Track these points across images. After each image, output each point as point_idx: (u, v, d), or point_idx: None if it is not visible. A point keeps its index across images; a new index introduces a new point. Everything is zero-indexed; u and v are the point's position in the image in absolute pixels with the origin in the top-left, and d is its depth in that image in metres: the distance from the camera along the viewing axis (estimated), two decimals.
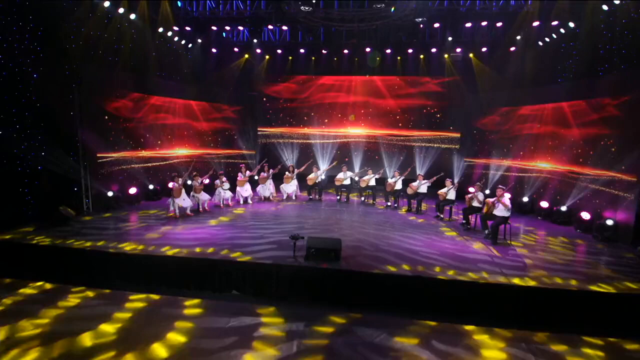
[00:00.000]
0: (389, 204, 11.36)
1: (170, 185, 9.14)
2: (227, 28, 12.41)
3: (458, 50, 13.30)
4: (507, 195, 7.88)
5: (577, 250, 7.72)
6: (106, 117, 10.20)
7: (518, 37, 11.37)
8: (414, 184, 10.78)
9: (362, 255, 6.69)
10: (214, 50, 13.88)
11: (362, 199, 12.01)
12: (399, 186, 11.18)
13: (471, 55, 13.40)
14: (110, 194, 9.98)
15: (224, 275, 6.04)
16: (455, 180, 10.43)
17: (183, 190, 9.25)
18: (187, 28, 12.31)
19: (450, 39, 12.15)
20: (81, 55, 9.27)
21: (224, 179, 10.65)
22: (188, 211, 9.36)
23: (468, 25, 11.41)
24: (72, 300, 5.72)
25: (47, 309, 5.43)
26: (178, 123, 12.78)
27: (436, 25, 11.57)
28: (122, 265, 6.37)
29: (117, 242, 7.02)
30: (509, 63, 12.18)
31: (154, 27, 11.15)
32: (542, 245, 7.84)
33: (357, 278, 5.89)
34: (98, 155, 9.96)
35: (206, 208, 9.98)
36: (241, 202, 11.13)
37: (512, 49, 12.19)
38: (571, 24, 9.94)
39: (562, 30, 10.24)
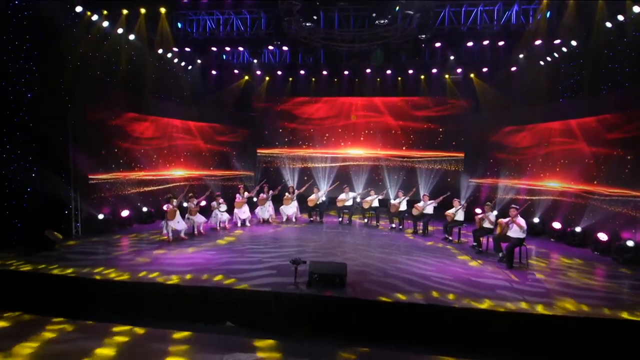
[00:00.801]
0: (393, 225, 10.86)
1: (165, 207, 8.67)
2: (227, 49, 12.33)
3: (459, 70, 13.22)
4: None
5: (599, 274, 7.18)
6: (100, 138, 9.87)
7: (521, 56, 11.23)
8: (420, 204, 10.33)
9: (369, 281, 6.15)
10: (214, 72, 13.79)
11: (365, 220, 11.52)
12: (403, 207, 10.72)
13: (472, 75, 13.31)
14: (101, 216, 9.49)
15: (217, 305, 5.48)
16: (463, 201, 9.97)
17: (177, 213, 8.78)
18: (187, 49, 12.22)
19: (452, 57, 12.03)
20: (77, 75, 9.04)
21: (221, 200, 10.20)
22: (182, 234, 8.85)
23: (470, 44, 11.30)
24: (49, 334, 5.13)
25: (21, 344, 4.85)
26: (175, 144, 12.46)
27: (437, 44, 11.46)
28: (107, 293, 5.81)
29: (103, 267, 6.48)
30: (512, 82, 12.03)
31: (152, 47, 11.02)
32: (560, 269, 7.31)
33: (365, 307, 5.33)
34: (90, 176, 9.55)
35: (202, 231, 9.48)
36: (239, 224, 10.62)
37: (514, 69, 12.10)
38: (573, 43, 9.83)
39: (565, 49, 10.12)
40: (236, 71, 14.13)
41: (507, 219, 7.49)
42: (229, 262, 6.98)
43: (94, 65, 9.49)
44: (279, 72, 14.41)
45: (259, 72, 14.27)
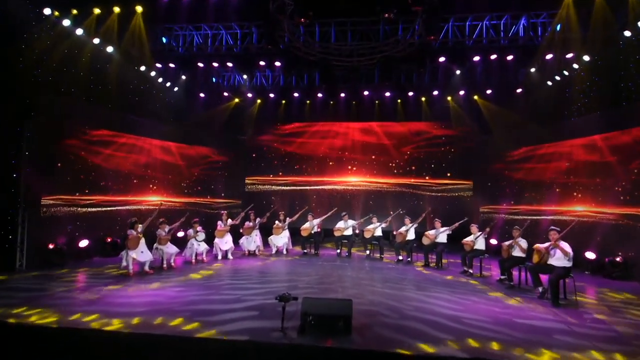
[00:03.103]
0: (400, 258, 9.34)
1: (128, 233, 7.15)
2: (215, 65, 11.40)
3: (462, 92, 12.38)
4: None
5: None
6: (62, 155, 8.54)
7: (533, 70, 10.41)
8: (431, 232, 8.91)
9: (381, 325, 4.61)
10: (202, 95, 12.80)
11: (367, 252, 9.98)
12: (411, 236, 9.28)
13: (475, 97, 12.46)
14: (51, 246, 7.89)
15: None
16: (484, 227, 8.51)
17: (142, 241, 7.24)
18: (171, 65, 11.25)
19: (458, 72, 11.18)
20: (38, 84, 7.86)
21: (199, 228, 8.68)
22: (147, 267, 7.25)
23: (476, 58, 10.49)
24: None
25: None
26: (152, 166, 11.09)
27: (441, 59, 10.64)
28: (18, 341, 4.16)
29: (26, 307, 4.86)
30: (523, 98, 11.15)
31: (129, 58, 9.98)
32: (616, 306, 5.81)
33: None
34: (44, 198, 8.08)
35: (172, 264, 7.88)
36: (219, 257, 9.02)
37: (519, 90, 11.27)
38: (586, 57, 9.06)
39: (587, 58, 9.28)
40: (226, 94, 13.17)
41: (546, 244, 6.09)
42: (197, 301, 5.39)
43: (61, 75, 8.34)
44: (272, 95, 13.46)
45: (250, 95, 13.32)
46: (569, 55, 9.61)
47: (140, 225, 7.32)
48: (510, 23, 10.19)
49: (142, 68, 10.51)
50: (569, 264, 5.84)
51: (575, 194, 9.50)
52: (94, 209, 9.19)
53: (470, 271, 7.84)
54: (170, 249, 7.86)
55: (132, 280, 6.66)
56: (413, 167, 13.68)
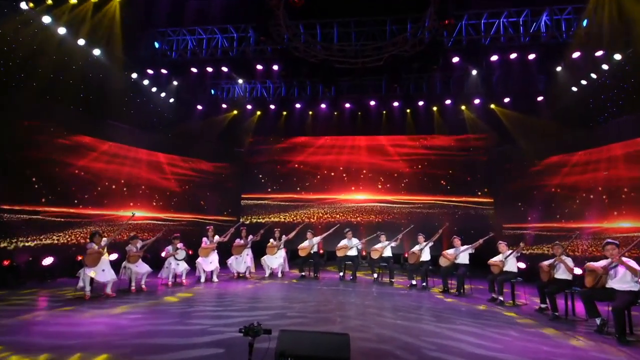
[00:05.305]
0: (413, 282, 7.97)
1: (87, 247, 6.03)
2: (210, 70, 10.61)
3: (477, 101, 11.32)
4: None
5: None
6: (32, 160, 7.63)
7: (559, 69, 9.32)
8: (449, 251, 7.57)
9: None
10: (199, 106, 12.00)
11: (375, 276, 8.63)
12: (426, 256, 7.94)
13: (493, 105, 11.37)
14: (6, 263, 6.78)
15: None
16: (520, 243, 7.04)
17: (104, 258, 6.08)
18: (163, 71, 10.49)
19: (474, 72, 10.15)
20: (6, 83, 7.06)
21: (180, 244, 7.49)
22: (108, 289, 6.04)
23: (494, 58, 9.47)
24: None
25: None
26: (137, 177, 10.10)
27: (455, 59, 9.64)
28: None
29: None
30: (547, 102, 10.02)
31: (118, 65, 9.22)
32: None
33: None
34: (3, 207, 7.08)
35: (143, 286, 6.65)
36: (202, 279, 7.75)
37: (543, 94, 10.18)
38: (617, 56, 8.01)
39: (619, 57, 8.21)
40: (224, 105, 12.35)
41: (604, 262, 4.75)
42: (150, 333, 4.14)
43: (35, 74, 7.56)
44: (272, 106, 12.58)
45: (249, 107, 12.48)
46: (599, 53, 8.57)
47: (104, 239, 6.19)
48: (530, 20, 9.28)
49: (135, 75, 9.79)
50: (636, 287, 4.47)
51: (615, 208, 8.14)
52: (61, 221, 8.12)
53: (501, 298, 6.42)
54: (141, 268, 6.66)
55: (86, 304, 5.45)
56: (425, 181, 12.44)
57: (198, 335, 4.07)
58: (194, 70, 10.64)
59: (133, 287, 6.48)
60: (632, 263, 4.47)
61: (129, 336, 3.98)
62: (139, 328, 4.30)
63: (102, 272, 5.94)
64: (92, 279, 5.91)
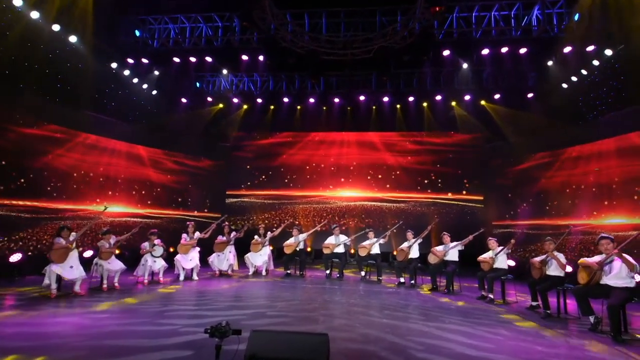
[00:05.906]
0: (402, 280, 7.72)
1: (55, 242, 5.61)
2: (193, 59, 10.20)
3: (467, 97, 11.15)
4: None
5: None
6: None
7: (550, 63, 9.18)
8: (439, 248, 7.33)
9: None
10: (182, 98, 11.57)
11: (363, 274, 8.36)
12: (414, 254, 7.71)
13: (483, 102, 11.24)
14: None
15: None
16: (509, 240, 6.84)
17: (74, 254, 5.68)
18: (144, 60, 10.05)
19: (465, 65, 9.97)
20: None
21: (157, 241, 7.10)
22: (77, 287, 5.64)
23: (485, 52, 9.29)
24: None
25: None
26: (115, 170, 9.65)
27: (445, 52, 9.43)
28: None
29: None
30: (539, 98, 9.89)
31: (92, 52, 8.76)
32: None
33: None
34: None
35: (116, 284, 6.26)
36: (181, 277, 7.37)
37: (534, 89, 10.06)
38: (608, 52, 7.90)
39: (610, 52, 8.09)
40: (210, 99, 11.95)
41: (599, 258, 4.55)
42: (113, 334, 3.78)
43: (4, 59, 7.10)
44: (259, 100, 12.22)
45: (236, 100, 12.09)
46: (590, 48, 8.46)
47: (73, 233, 5.79)
48: (521, 14, 9.12)
49: (114, 65, 9.33)
50: (632, 283, 4.28)
51: (605, 204, 8.03)
52: (35, 218, 7.67)
53: (491, 296, 6.20)
54: (114, 265, 6.27)
55: (50, 303, 5.05)
56: (415, 177, 12.23)
57: (166, 337, 3.72)
58: (177, 60, 10.23)
59: (105, 285, 6.08)
60: (630, 257, 4.27)
61: (84, 337, 3.62)
62: (101, 329, 3.94)
63: (69, 268, 5.54)
64: (59, 276, 5.51)
